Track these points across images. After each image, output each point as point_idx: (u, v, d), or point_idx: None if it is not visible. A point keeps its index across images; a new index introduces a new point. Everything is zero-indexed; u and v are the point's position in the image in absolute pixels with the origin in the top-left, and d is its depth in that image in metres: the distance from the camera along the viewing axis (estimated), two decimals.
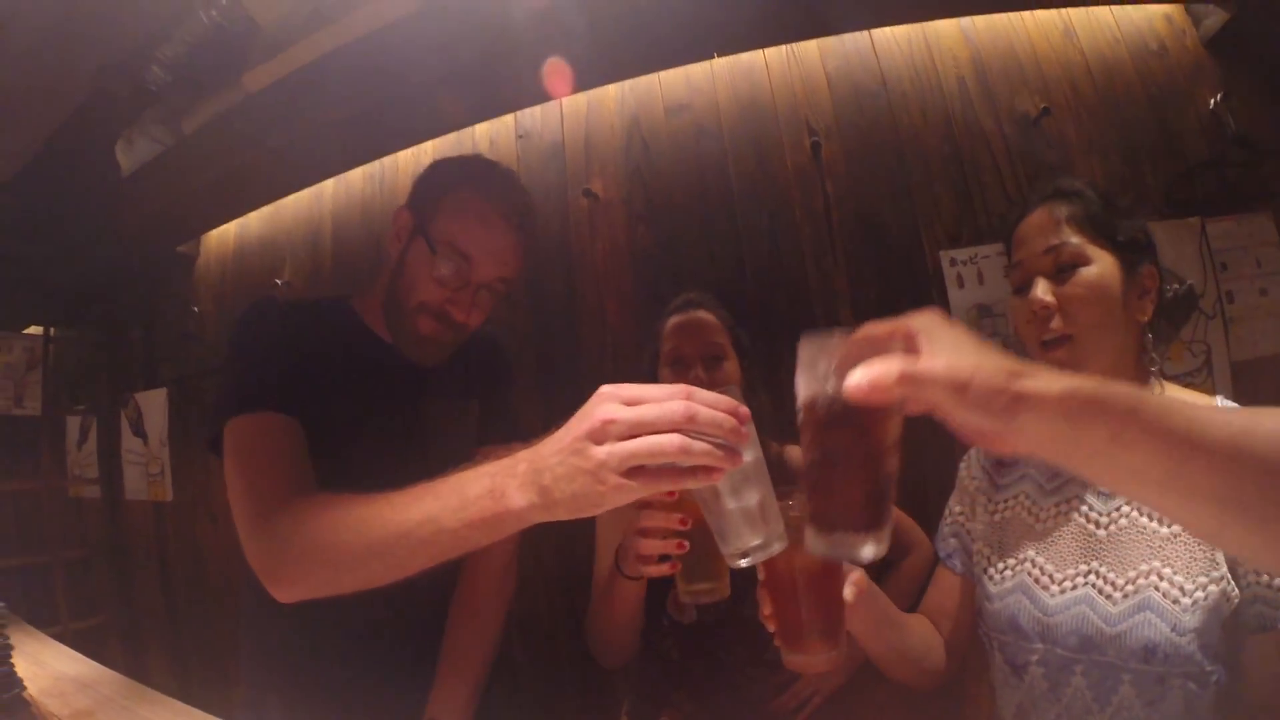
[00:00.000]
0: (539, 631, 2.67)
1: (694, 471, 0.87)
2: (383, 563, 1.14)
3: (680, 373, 1.91)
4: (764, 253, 2.53)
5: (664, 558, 1.42)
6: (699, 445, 0.86)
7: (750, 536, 1.01)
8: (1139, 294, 1.37)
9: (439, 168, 1.63)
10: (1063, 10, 2.42)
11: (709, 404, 0.88)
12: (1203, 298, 2.20)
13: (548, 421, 2.47)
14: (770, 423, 2.03)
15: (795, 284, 2.47)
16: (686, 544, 1.38)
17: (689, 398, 0.87)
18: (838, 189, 2.48)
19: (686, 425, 0.86)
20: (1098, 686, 1.25)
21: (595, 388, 2.42)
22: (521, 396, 1.99)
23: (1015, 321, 1.45)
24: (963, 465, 1.64)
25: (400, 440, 1.61)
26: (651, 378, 2.00)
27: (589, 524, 2.08)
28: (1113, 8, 2.40)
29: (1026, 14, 2.43)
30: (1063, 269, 1.35)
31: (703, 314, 1.99)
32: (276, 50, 2.71)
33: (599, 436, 0.87)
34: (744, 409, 0.91)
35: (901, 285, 2.37)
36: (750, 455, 0.97)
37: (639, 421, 0.86)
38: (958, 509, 1.61)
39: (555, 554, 2.68)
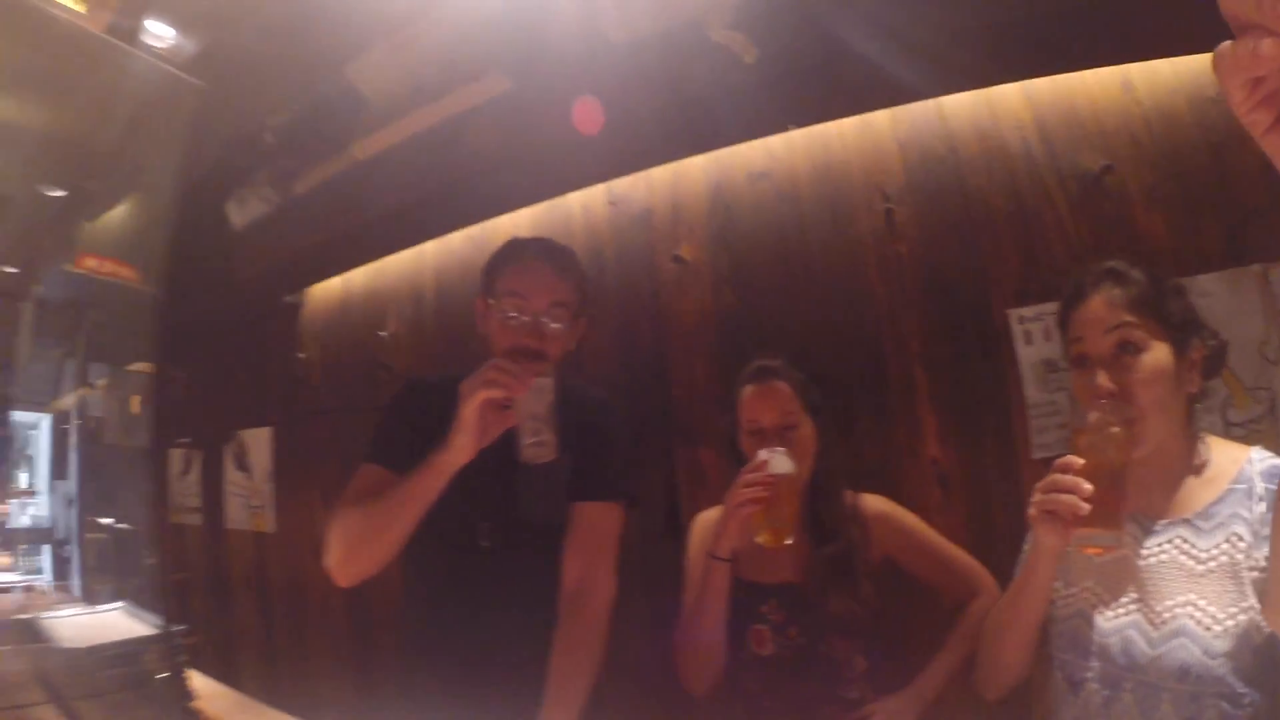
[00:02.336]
0: (625, 666, 2.81)
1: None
2: (377, 532, 1.76)
3: (759, 442, 2.08)
4: (841, 314, 2.67)
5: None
6: (492, 374, 1.63)
7: (527, 438, 1.67)
8: (1188, 368, 1.51)
9: (492, 257, 2.05)
10: (1121, 65, 2.41)
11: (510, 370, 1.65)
12: (1265, 344, 2.20)
13: (640, 475, 2.68)
14: (847, 475, 2.24)
15: (870, 343, 2.60)
16: (769, 495, 1.90)
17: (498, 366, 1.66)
18: (910, 251, 2.59)
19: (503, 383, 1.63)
20: (1143, 703, 1.40)
21: (686, 441, 2.66)
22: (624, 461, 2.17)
23: (1076, 390, 1.60)
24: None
25: (488, 476, 1.84)
26: (732, 443, 2.22)
27: (678, 561, 2.31)
28: (1170, 59, 2.36)
29: (1086, 71, 2.44)
30: (1123, 351, 1.48)
31: (776, 384, 2.16)
32: (383, 123, 2.97)
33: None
34: (531, 380, 1.65)
35: (972, 343, 2.46)
36: (536, 394, 1.66)
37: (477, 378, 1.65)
38: None
39: (644, 591, 2.79)
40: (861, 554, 2.11)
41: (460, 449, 1.66)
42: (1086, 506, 1.35)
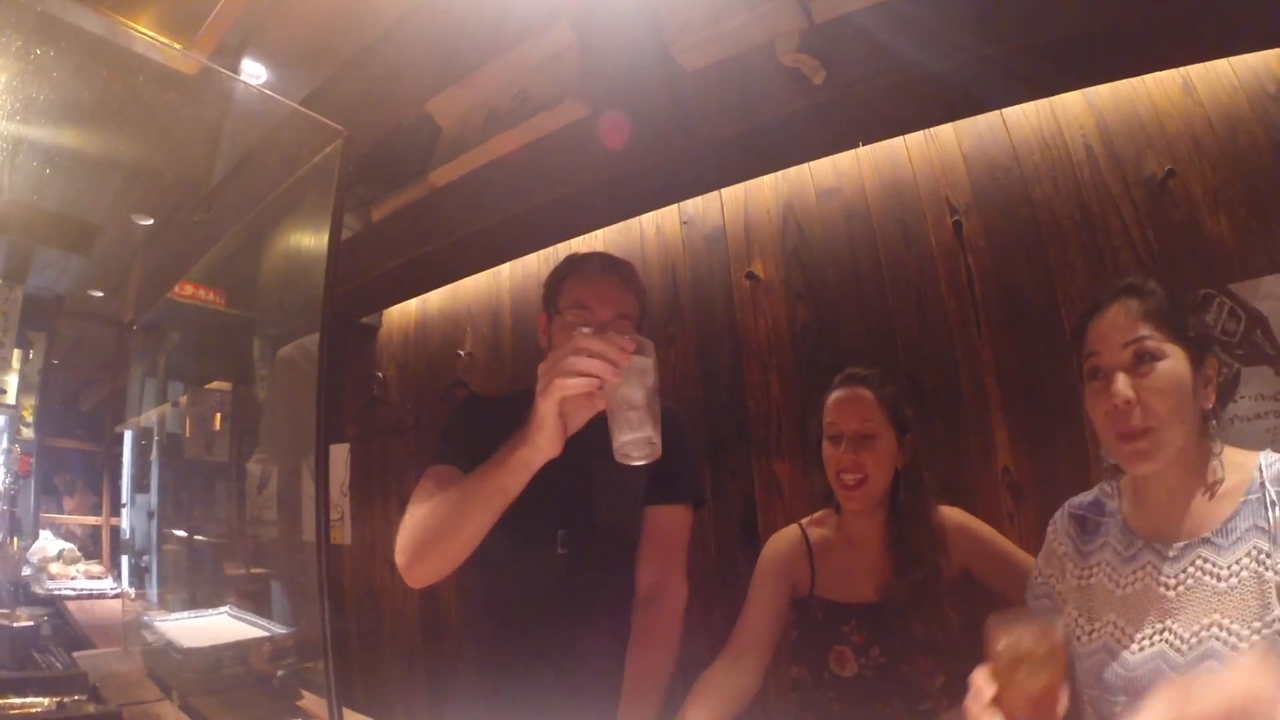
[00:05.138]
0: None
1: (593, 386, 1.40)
2: (453, 528, 1.67)
3: (835, 446, 2.17)
4: (913, 326, 2.72)
5: None
6: (582, 365, 1.38)
7: (626, 433, 1.41)
8: (1204, 383, 1.50)
9: (552, 274, 2.09)
10: (1181, 67, 2.40)
11: (599, 343, 1.40)
12: None
13: (718, 486, 2.78)
14: (928, 499, 2.25)
15: (943, 355, 2.65)
16: None
17: (583, 347, 1.40)
18: (979, 262, 2.63)
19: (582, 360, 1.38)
20: None
21: (764, 456, 2.75)
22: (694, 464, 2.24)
23: (1091, 409, 1.57)
24: (1050, 529, 1.78)
25: (565, 481, 1.83)
26: (817, 447, 2.26)
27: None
28: (1229, 59, 2.35)
29: (1147, 75, 2.44)
30: (1140, 362, 1.47)
31: (861, 391, 2.20)
32: (459, 151, 3.10)
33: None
34: (628, 343, 1.40)
35: (1041, 352, 2.49)
36: (634, 377, 1.41)
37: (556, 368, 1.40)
38: (1047, 570, 1.74)
39: (720, 596, 2.95)
40: (944, 576, 2.14)
41: (541, 448, 1.50)
42: None
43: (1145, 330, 1.49)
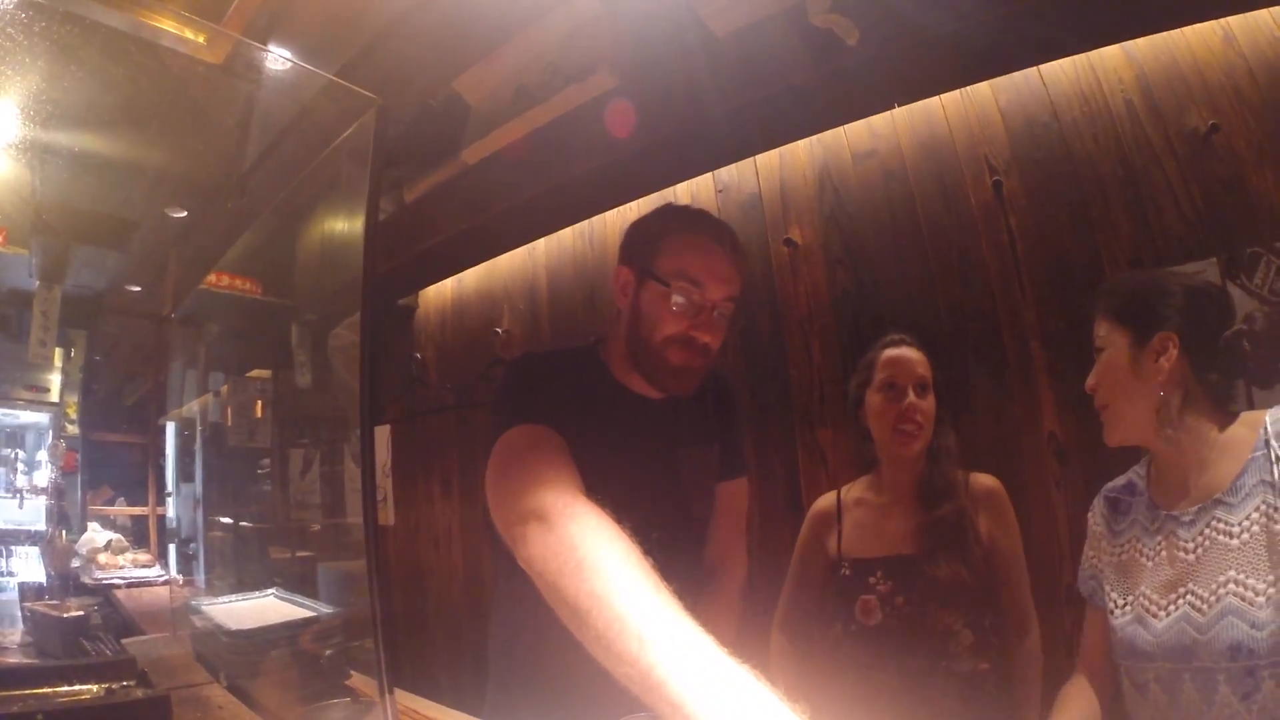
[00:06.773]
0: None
1: None
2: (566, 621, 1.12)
3: (893, 398, 2.21)
4: (955, 289, 2.69)
5: None
6: None
7: None
8: (1153, 358, 1.60)
9: (643, 223, 1.82)
10: (1221, 19, 2.33)
11: None
12: None
13: (761, 456, 2.75)
14: (960, 456, 2.27)
15: (985, 317, 2.62)
16: None
17: None
18: (1021, 222, 2.59)
19: None
20: (1203, 690, 1.44)
21: (807, 424, 2.71)
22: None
23: None
24: (1090, 514, 1.87)
25: (653, 477, 1.79)
26: (857, 403, 2.32)
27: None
28: (1271, 8, 2.26)
29: (1186, 27, 2.37)
30: (1098, 356, 1.71)
31: (912, 351, 2.26)
32: (490, 127, 3.08)
33: None
34: None
35: (1087, 314, 2.19)
36: None
37: None
38: (1090, 553, 1.84)
39: (761, 563, 2.93)
40: (971, 522, 2.17)
41: None
42: None
43: (1098, 329, 1.73)
